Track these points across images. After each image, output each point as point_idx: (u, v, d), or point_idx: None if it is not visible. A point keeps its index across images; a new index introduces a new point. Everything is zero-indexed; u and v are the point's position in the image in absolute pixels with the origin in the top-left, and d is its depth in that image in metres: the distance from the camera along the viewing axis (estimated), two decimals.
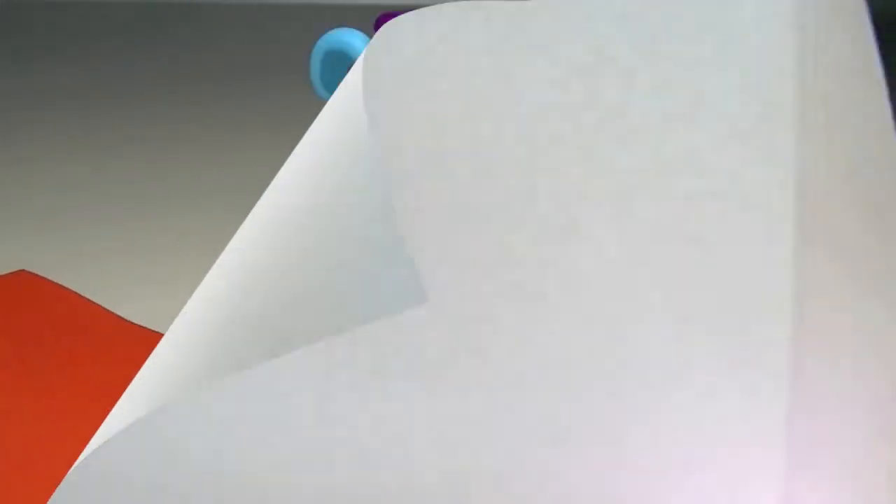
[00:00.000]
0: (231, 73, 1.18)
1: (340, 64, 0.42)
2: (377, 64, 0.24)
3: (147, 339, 0.46)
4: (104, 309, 0.48)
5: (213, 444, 0.24)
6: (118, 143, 0.85)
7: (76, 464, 0.25)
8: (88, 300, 0.49)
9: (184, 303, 0.49)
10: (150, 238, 0.61)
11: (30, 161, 0.79)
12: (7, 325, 0.47)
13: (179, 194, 0.70)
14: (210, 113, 0.98)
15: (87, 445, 0.28)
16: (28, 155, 0.81)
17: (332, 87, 0.42)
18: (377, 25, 0.40)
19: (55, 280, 0.51)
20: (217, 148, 0.85)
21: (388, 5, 0.43)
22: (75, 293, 0.50)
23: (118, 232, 0.62)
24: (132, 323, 0.47)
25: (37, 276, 0.51)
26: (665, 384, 0.21)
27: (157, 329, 0.47)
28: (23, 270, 0.52)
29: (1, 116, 0.94)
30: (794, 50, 0.22)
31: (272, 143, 0.72)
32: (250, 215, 0.28)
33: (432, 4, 0.46)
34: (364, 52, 0.24)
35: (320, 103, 0.43)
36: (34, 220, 0.64)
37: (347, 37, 0.42)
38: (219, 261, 0.28)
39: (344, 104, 0.24)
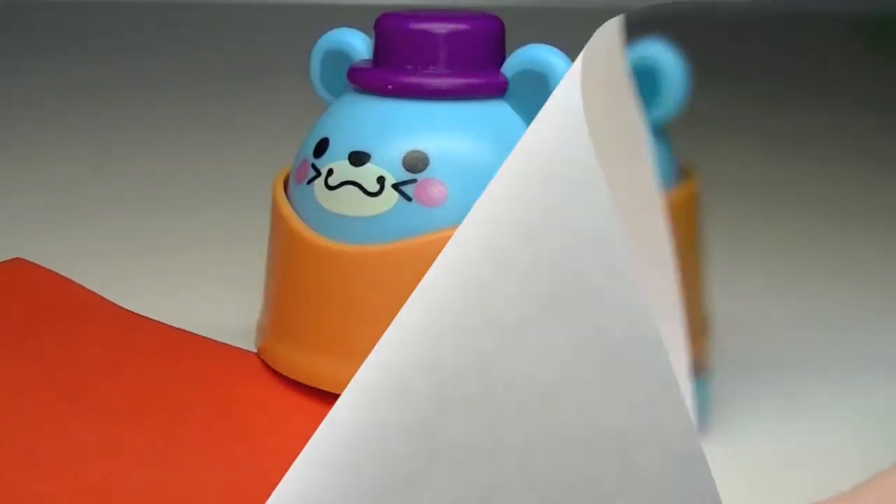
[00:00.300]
0: (231, 73, 1.18)
1: (340, 64, 0.42)
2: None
3: (143, 327, 0.46)
4: (100, 296, 0.48)
5: None
6: (117, 143, 0.85)
7: None
8: (84, 287, 0.49)
9: (182, 300, 0.49)
10: (148, 236, 0.61)
11: (29, 160, 0.79)
12: (3, 312, 0.47)
13: (178, 193, 0.71)
14: (210, 113, 0.98)
15: None
16: (27, 154, 0.81)
17: (332, 87, 0.42)
18: (377, 25, 0.40)
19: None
20: (216, 148, 0.85)
21: (388, 5, 0.43)
22: (71, 280, 0.50)
23: (117, 231, 0.62)
24: (127, 310, 0.48)
25: (32, 263, 0.51)
26: None
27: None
28: (18, 258, 0.52)
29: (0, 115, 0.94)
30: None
31: (272, 143, 0.72)
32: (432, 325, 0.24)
33: (432, 5, 0.46)
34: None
35: (320, 103, 0.43)
36: (32, 219, 0.64)
37: (347, 37, 0.42)
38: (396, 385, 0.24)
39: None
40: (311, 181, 0.40)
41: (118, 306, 0.48)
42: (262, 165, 0.55)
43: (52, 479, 0.34)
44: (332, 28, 0.43)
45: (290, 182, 0.42)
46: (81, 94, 1.05)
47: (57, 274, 0.50)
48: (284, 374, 0.41)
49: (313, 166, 0.40)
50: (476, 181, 0.38)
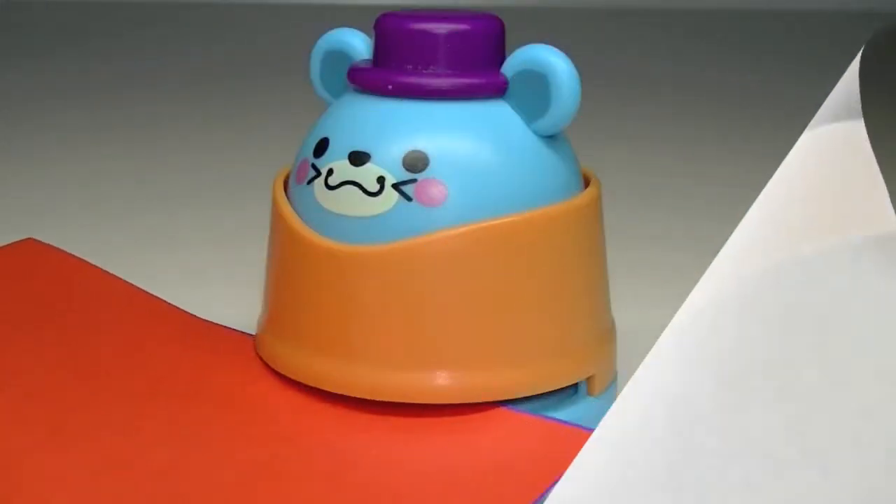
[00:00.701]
0: (231, 72, 1.18)
1: (340, 64, 0.42)
2: None
3: (157, 307, 0.46)
4: (113, 275, 0.48)
5: None
6: (117, 143, 0.85)
7: None
8: (96, 266, 0.49)
9: (180, 299, 0.50)
10: (146, 236, 0.61)
11: (28, 160, 0.79)
12: (17, 293, 0.47)
13: (177, 193, 0.71)
14: (210, 113, 0.98)
15: None
16: (27, 154, 0.81)
17: (332, 87, 0.42)
18: (377, 25, 0.40)
19: None
20: (217, 148, 0.85)
21: (388, 5, 0.43)
22: (83, 260, 0.50)
23: (115, 230, 0.62)
24: (141, 290, 0.47)
25: (44, 244, 0.51)
26: None
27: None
28: (30, 238, 0.52)
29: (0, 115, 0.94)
30: None
31: (272, 143, 0.72)
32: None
33: (432, 5, 0.46)
34: None
35: (320, 103, 0.43)
36: (31, 219, 0.64)
37: (347, 37, 0.42)
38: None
39: None
40: (311, 181, 0.40)
41: (133, 285, 0.48)
42: (262, 165, 0.55)
43: (72, 460, 0.35)
44: (332, 28, 0.43)
45: (290, 182, 0.42)
46: (81, 94, 1.05)
47: (68, 253, 0.50)
48: (284, 373, 0.41)
49: (313, 166, 0.40)
50: (476, 181, 0.38)
